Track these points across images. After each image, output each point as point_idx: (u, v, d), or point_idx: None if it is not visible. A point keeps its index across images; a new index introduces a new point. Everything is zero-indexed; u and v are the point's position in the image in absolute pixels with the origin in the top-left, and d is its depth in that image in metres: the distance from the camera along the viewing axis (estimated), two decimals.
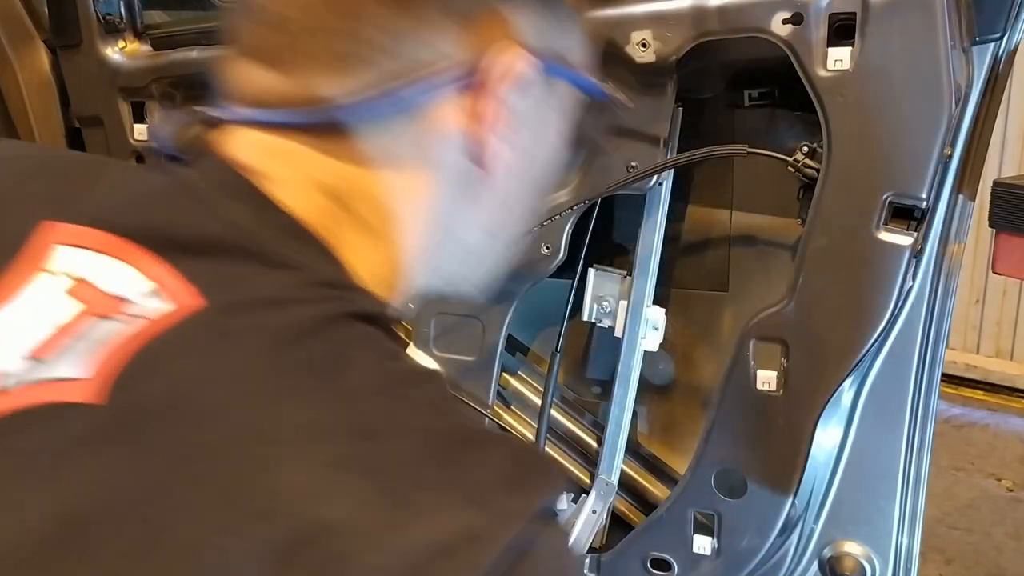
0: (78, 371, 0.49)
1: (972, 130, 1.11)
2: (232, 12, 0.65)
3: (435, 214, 0.65)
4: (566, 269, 1.31)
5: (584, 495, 1.37)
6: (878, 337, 1.12)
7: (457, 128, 0.63)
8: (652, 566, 1.29)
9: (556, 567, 0.51)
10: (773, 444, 1.18)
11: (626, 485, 1.39)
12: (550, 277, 1.32)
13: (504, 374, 1.27)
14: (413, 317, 1.43)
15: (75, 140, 1.67)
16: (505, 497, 0.49)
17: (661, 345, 1.31)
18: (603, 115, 1.21)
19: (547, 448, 1.39)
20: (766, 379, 1.17)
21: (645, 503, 1.39)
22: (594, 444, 1.39)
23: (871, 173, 1.08)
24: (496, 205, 0.68)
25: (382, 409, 0.51)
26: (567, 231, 1.28)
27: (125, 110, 1.56)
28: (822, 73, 1.08)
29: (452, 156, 0.64)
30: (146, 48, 1.56)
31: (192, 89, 1.48)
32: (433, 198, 0.65)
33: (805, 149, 1.13)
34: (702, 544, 1.25)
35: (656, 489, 1.38)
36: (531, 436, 1.39)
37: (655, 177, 1.22)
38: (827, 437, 1.20)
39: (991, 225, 1.27)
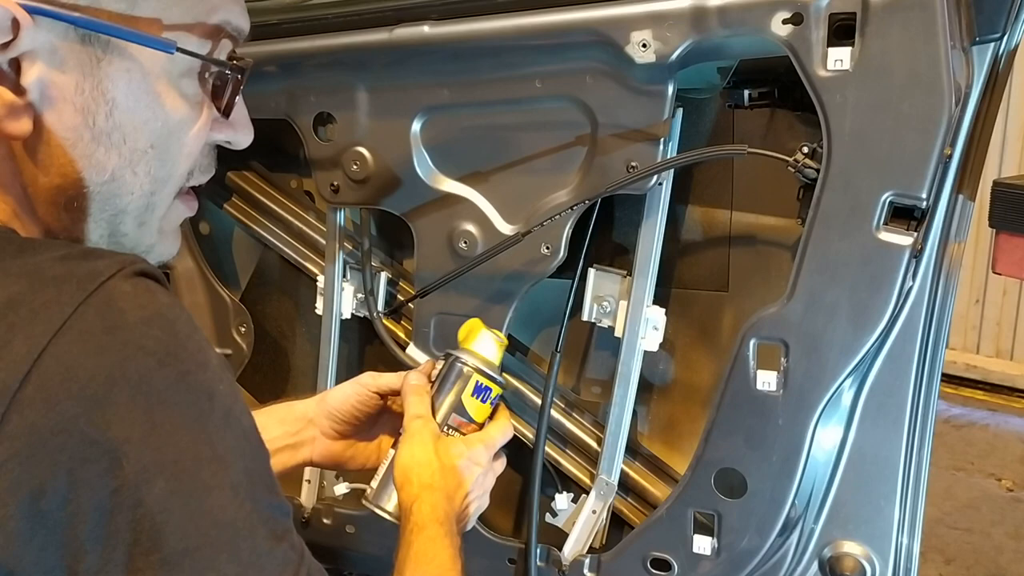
0: None
1: (972, 130, 1.11)
2: None
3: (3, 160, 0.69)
4: (566, 269, 1.31)
5: (584, 495, 1.37)
6: (878, 337, 1.12)
7: None
8: (652, 566, 1.29)
9: (124, 305, 0.61)
10: (773, 444, 1.18)
11: (626, 485, 1.39)
12: (550, 277, 1.32)
13: (504, 374, 1.27)
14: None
15: None
16: (50, 272, 0.61)
17: (661, 345, 1.31)
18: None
19: (547, 448, 1.39)
20: (766, 379, 1.17)
21: (645, 503, 1.39)
22: (594, 444, 1.39)
23: (871, 173, 1.08)
24: (58, 160, 0.70)
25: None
26: (567, 231, 1.28)
27: None
28: (822, 73, 1.08)
29: None
30: None
31: None
32: None
33: (805, 149, 1.12)
34: (702, 544, 1.25)
35: (656, 489, 1.38)
36: (531, 436, 1.39)
37: (655, 177, 1.22)
38: (827, 437, 1.20)
39: (991, 225, 1.27)
